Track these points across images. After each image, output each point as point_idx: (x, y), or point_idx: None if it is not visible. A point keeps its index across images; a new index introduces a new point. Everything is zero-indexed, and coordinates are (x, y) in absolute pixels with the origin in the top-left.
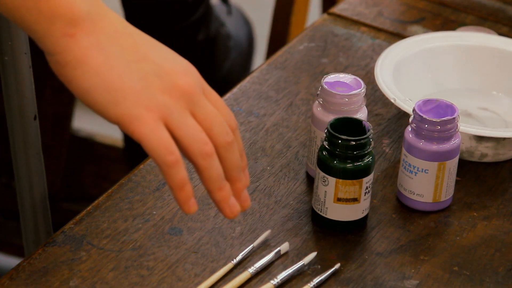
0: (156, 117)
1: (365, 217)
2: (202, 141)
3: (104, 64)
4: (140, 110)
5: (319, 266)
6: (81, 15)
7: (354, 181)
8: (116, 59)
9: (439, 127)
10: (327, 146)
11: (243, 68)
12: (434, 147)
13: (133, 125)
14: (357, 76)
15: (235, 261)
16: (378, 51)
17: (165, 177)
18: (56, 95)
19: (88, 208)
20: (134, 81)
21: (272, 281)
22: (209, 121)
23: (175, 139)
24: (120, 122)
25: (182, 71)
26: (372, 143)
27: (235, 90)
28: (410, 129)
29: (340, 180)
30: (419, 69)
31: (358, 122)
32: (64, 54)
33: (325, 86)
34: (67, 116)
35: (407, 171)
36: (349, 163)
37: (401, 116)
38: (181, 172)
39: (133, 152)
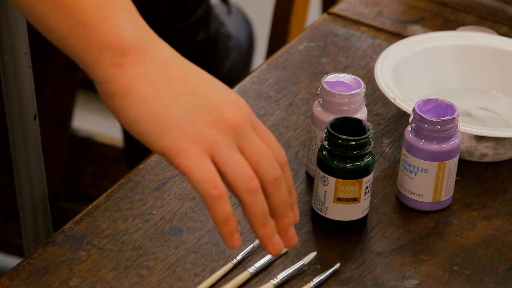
0: (202, 151)
1: (365, 217)
2: (248, 176)
3: (151, 94)
4: (186, 143)
5: (319, 266)
6: (130, 45)
7: (354, 181)
8: (164, 90)
9: (439, 127)
10: (327, 146)
11: (243, 68)
12: (434, 147)
13: (178, 157)
14: (357, 76)
15: (235, 261)
16: (378, 51)
17: (209, 211)
18: (56, 95)
19: (88, 208)
20: (181, 113)
21: (272, 281)
22: (257, 156)
23: (221, 173)
24: (166, 154)
25: (232, 105)
26: (372, 143)
27: (235, 89)
28: (410, 129)
29: (340, 180)
30: (419, 69)
31: (358, 122)
32: (112, 84)
33: (325, 86)
34: (67, 116)
35: (407, 171)
36: (349, 163)
37: (401, 116)
38: (226, 206)
39: (133, 152)
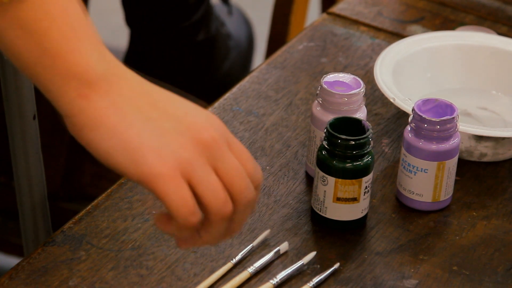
0: (177, 174)
1: (365, 217)
2: (222, 200)
3: (120, 123)
4: (161, 168)
5: (319, 266)
6: (96, 76)
7: (354, 180)
8: (133, 118)
9: (438, 127)
10: (326, 146)
11: (243, 68)
12: (434, 146)
13: (154, 183)
14: (356, 75)
15: (234, 260)
16: (377, 50)
17: (178, 231)
18: None
19: (88, 208)
20: (153, 138)
21: (271, 281)
22: (231, 175)
23: (195, 194)
24: (142, 181)
25: (205, 124)
26: (372, 142)
27: (234, 89)
28: (409, 129)
29: (340, 180)
30: (419, 69)
31: (358, 121)
32: (80, 116)
33: (325, 86)
34: None
35: (407, 170)
36: (348, 163)
37: (401, 116)
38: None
39: None
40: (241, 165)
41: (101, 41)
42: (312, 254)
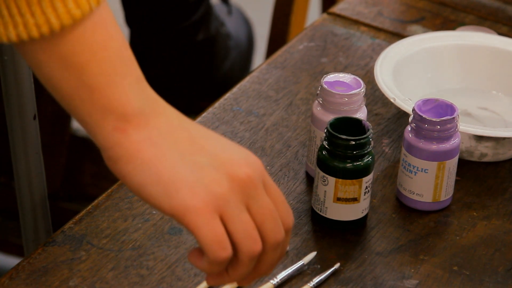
0: (211, 209)
1: (365, 217)
2: (254, 239)
3: (155, 157)
4: (194, 201)
5: (319, 266)
6: (134, 111)
7: (354, 180)
8: (168, 152)
9: (438, 127)
10: (326, 146)
11: (243, 68)
12: (434, 146)
13: (187, 217)
14: (356, 75)
15: None
16: (377, 50)
17: (208, 265)
18: None
19: (88, 208)
20: (187, 172)
21: (271, 281)
22: (264, 215)
23: (227, 231)
24: (175, 214)
25: (242, 161)
26: (372, 142)
27: (235, 89)
28: (409, 129)
29: (340, 180)
30: (419, 69)
31: (358, 121)
32: (116, 149)
33: (325, 86)
34: (67, 115)
35: (407, 170)
36: (348, 163)
37: (401, 116)
38: (225, 265)
39: None
40: (274, 206)
41: (141, 76)
42: (312, 254)
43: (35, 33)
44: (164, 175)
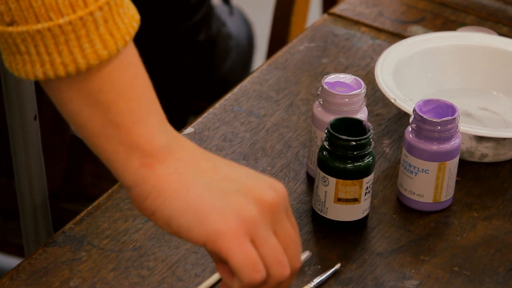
0: (242, 233)
1: (366, 217)
2: (283, 264)
3: (183, 188)
4: (225, 226)
5: (319, 266)
6: (159, 147)
7: (355, 181)
8: (195, 182)
9: (439, 127)
10: (327, 146)
11: (243, 68)
12: (435, 147)
13: (219, 242)
14: (357, 76)
15: None
16: (378, 51)
17: (238, 285)
18: None
19: (89, 208)
20: (215, 199)
21: None
22: (287, 241)
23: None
24: (206, 241)
25: (267, 186)
26: (373, 143)
27: (235, 90)
28: (410, 129)
29: (341, 180)
30: (419, 69)
31: (359, 122)
32: (144, 186)
33: (326, 86)
34: None
35: (408, 171)
36: (349, 163)
37: (402, 116)
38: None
39: None
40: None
41: (163, 114)
42: (306, 253)
43: (61, 72)
44: (192, 204)
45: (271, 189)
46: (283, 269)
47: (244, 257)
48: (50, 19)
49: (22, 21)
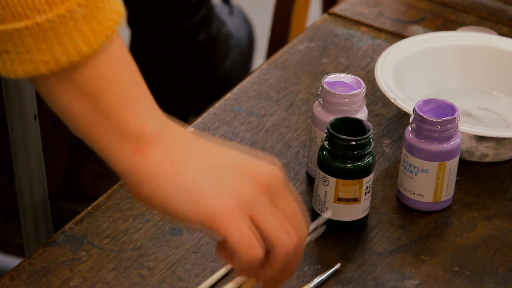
0: (239, 210)
1: (366, 217)
2: (287, 233)
3: (176, 170)
4: (220, 204)
5: (319, 266)
6: (149, 132)
7: (355, 181)
8: (187, 163)
9: (439, 127)
10: (327, 146)
11: (244, 68)
12: (435, 147)
13: (215, 221)
14: (357, 76)
15: None
16: (378, 51)
17: (238, 265)
18: None
19: (89, 208)
20: (209, 179)
21: None
22: (289, 212)
23: (258, 229)
24: (203, 220)
25: (262, 162)
26: (373, 143)
27: (235, 90)
28: (410, 129)
29: (341, 180)
30: (419, 69)
31: (359, 122)
32: (137, 172)
33: (326, 86)
34: None
35: (408, 171)
36: (349, 163)
37: (402, 116)
38: (257, 265)
39: None
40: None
41: (150, 97)
42: (325, 214)
43: (42, 69)
44: (187, 186)
45: (265, 165)
46: (288, 238)
47: (241, 235)
48: (27, 17)
49: None
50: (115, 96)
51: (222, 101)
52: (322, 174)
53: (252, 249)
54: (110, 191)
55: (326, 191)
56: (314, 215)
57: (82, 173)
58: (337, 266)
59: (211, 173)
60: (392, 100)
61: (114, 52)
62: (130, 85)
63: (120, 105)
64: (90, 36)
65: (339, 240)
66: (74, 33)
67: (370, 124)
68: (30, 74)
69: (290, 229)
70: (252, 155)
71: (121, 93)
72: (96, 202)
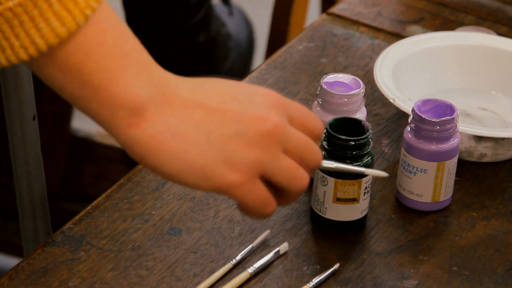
0: (250, 176)
1: (364, 217)
2: (300, 178)
3: (182, 146)
4: (232, 176)
5: (318, 266)
6: (143, 102)
7: (353, 181)
8: (192, 137)
9: (438, 127)
10: (326, 146)
11: (243, 68)
12: (433, 147)
13: (230, 191)
14: (356, 76)
15: (234, 261)
16: (377, 51)
17: (253, 218)
18: (55, 95)
19: (88, 208)
20: (217, 151)
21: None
22: (300, 149)
23: (272, 182)
24: (217, 191)
25: (264, 113)
26: (371, 143)
27: None
28: (409, 129)
29: (339, 180)
30: (418, 69)
31: (357, 122)
32: (137, 147)
33: (324, 86)
34: (66, 116)
35: (406, 171)
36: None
37: (400, 116)
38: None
39: None
40: (304, 129)
41: (146, 61)
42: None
43: (23, 55)
44: (196, 162)
45: (268, 114)
46: (300, 182)
47: (254, 198)
48: (1, 3)
49: None
50: (100, 68)
51: None
52: (321, 174)
53: (266, 207)
54: (109, 191)
55: (325, 191)
56: (313, 215)
57: (82, 173)
58: (336, 266)
59: (218, 144)
60: (391, 100)
61: (97, 23)
62: (116, 54)
63: (105, 76)
64: (67, 17)
65: (338, 240)
66: (49, 15)
67: (369, 124)
68: (12, 61)
69: (301, 172)
70: (252, 100)
71: (105, 64)
72: (95, 202)
